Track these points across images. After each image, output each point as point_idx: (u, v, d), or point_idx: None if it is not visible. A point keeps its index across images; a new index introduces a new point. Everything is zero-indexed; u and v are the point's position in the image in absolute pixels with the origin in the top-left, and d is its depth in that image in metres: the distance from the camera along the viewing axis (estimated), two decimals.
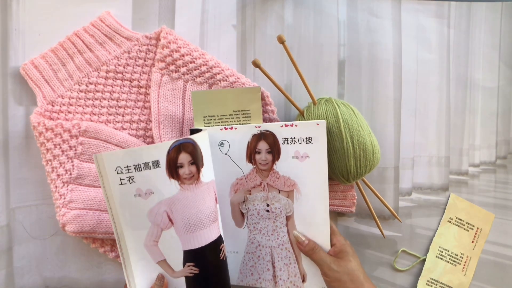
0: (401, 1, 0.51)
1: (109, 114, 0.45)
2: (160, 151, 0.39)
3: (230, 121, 0.47)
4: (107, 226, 0.44)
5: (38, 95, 0.44)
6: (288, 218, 0.47)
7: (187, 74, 0.45)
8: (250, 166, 0.46)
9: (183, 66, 0.45)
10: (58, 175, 0.43)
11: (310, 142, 0.45)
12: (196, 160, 0.41)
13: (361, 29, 0.50)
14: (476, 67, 0.52)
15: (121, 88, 0.46)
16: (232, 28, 0.49)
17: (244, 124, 0.47)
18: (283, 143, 0.45)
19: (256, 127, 0.45)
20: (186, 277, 0.42)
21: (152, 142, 0.45)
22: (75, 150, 0.43)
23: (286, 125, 0.45)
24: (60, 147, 0.43)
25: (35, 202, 0.46)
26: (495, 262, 0.54)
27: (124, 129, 0.46)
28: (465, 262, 0.54)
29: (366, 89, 0.50)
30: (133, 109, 0.46)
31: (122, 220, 0.39)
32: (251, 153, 0.46)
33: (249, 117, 0.47)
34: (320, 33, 0.49)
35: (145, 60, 0.46)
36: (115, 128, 0.45)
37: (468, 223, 0.54)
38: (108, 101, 0.45)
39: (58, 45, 0.45)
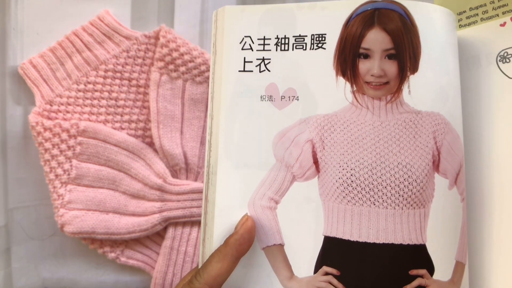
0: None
1: (108, 114, 0.45)
2: (330, 17, 0.22)
3: None
4: (106, 226, 0.44)
5: (37, 94, 0.44)
6: None
7: (186, 73, 0.45)
8: None
9: (182, 65, 0.45)
10: (57, 176, 0.43)
11: None
12: (401, 53, 0.23)
13: None
14: None
15: (119, 87, 0.45)
16: None
17: None
18: None
19: None
20: None
21: (151, 143, 0.45)
22: (74, 150, 0.43)
23: None
24: (59, 147, 0.43)
25: (33, 203, 0.45)
26: None
27: (122, 129, 0.45)
28: None
29: None
30: (132, 108, 0.45)
31: (223, 140, 0.23)
32: None
33: None
34: None
35: (144, 59, 0.46)
36: (114, 128, 0.45)
37: None
38: (107, 101, 0.45)
39: (57, 44, 0.45)
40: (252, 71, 0.23)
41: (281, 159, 0.23)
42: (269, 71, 0.23)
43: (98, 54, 0.45)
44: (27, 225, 0.45)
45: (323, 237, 0.23)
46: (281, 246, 0.23)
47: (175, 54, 0.44)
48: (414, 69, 0.24)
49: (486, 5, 0.25)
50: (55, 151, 0.43)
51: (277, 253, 0.23)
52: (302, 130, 0.23)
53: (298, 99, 0.23)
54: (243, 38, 0.23)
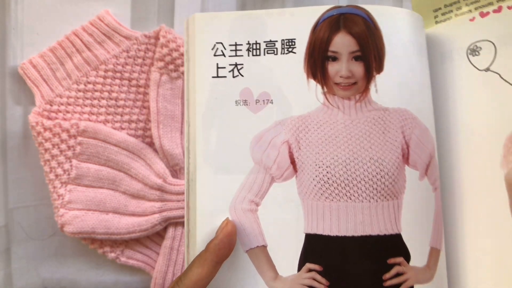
0: (403, 1, 0.50)
1: (108, 114, 0.45)
2: (299, 22, 0.23)
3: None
4: (106, 226, 0.44)
5: (37, 94, 0.44)
6: None
7: None
8: None
9: (182, 65, 0.44)
10: (57, 176, 0.43)
11: None
12: (366, 54, 0.25)
13: None
14: None
15: (119, 87, 0.45)
16: None
17: None
18: None
19: None
20: None
21: (152, 143, 0.45)
22: (74, 150, 0.43)
23: None
24: (59, 147, 0.43)
25: (33, 203, 0.45)
26: None
27: (122, 129, 0.45)
28: None
29: None
30: (132, 108, 0.45)
31: (201, 146, 0.23)
32: None
33: None
34: None
35: (144, 59, 0.45)
36: (114, 128, 0.45)
37: None
38: (107, 101, 0.45)
39: (57, 44, 0.45)
40: (225, 76, 0.24)
41: (259, 161, 0.24)
42: (242, 76, 0.23)
43: (98, 54, 0.45)
44: (27, 225, 0.45)
45: (304, 235, 0.24)
46: (264, 247, 0.24)
47: (175, 54, 0.44)
48: (380, 69, 0.25)
49: (459, 2, 0.26)
50: (55, 151, 0.43)
51: (260, 254, 0.24)
52: (278, 132, 0.24)
53: (272, 102, 0.24)
54: (215, 45, 0.24)
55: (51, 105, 0.44)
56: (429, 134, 0.26)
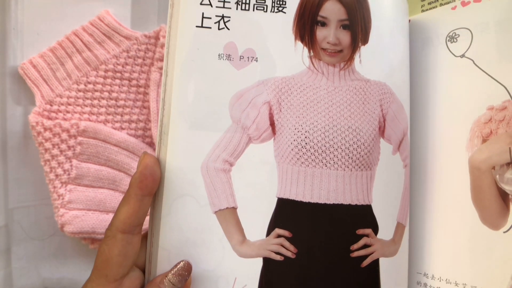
0: None
1: (108, 114, 0.45)
2: None
3: None
4: (106, 226, 0.44)
5: (37, 94, 0.44)
6: None
7: None
8: None
9: None
10: (57, 175, 0.43)
11: None
12: (354, 24, 0.25)
13: None
14: None
15: (120, 87, 0.45)
16: None
17: None
18: None
19: None
20: (266, 263, 0.23)
21: (152, 143, 0.45)
22: (74, 150, 0.43)
23: None
24: (59, 147, 0.43)
25: (33, 203, 0.45)
26: None
27: (123, 129, 0.45)
28: None
29: None
30: (132, 108, 0.45)
31: (177, 97, 0.21)
32: None
33: None
34: None
35: (144, 59, 0.46)
36: (114, 128, 0.45)
37: None
38: (107, 101, 0.45)
39: (57, 44, 0.45)
40: (210, 27, 0.22)
41: (237, 120, 0.23)
42: (228, 29, 0.22)
43: (98, 54, 0.45)
44: (27, 225, 0.45)
45: (276, 199, 0.24)
46: (234, 209, 0.23)
47: None
48: (365, 40, 0.26)
49: None
50: (55, 151, 0.43)
51: (229, 216, 0.23)
52: (260, 91, 0.23)
53: (257, 60, 0.23)
54: None
55: (51, 105, 0.44)
56: (404, 111, 0.27)
